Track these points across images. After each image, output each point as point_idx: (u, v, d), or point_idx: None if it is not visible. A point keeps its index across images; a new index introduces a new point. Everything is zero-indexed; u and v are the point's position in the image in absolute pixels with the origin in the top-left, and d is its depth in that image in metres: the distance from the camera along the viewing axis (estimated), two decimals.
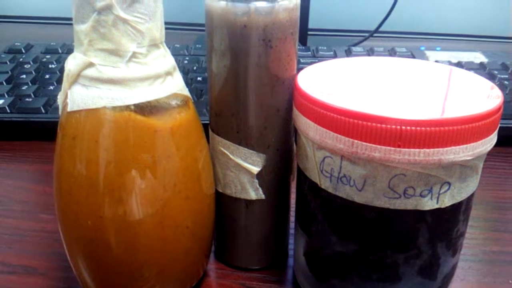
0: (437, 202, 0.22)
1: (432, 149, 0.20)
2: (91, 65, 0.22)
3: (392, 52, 0.58)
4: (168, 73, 0.23)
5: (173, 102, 0.24)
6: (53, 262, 0.30)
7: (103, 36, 0.21)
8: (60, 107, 0.24)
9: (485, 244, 0.32)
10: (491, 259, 0.31)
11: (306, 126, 0.23)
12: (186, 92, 0.25)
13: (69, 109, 0.22)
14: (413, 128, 0.20)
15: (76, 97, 0.22)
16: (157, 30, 0.22)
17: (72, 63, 0.22)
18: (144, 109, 0.22)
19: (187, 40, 0.74)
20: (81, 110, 0.22)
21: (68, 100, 0.22)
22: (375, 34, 0.71)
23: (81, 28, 0.21)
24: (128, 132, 0.22)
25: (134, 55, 0.22)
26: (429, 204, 0.22)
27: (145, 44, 0.22)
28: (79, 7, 0.21)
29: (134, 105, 0.22)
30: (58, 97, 0.24)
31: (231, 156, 0.26)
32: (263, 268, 0.30)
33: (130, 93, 0.22)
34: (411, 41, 0.80)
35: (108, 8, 0.20)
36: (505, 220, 0.35)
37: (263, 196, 0.27)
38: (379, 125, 0.20)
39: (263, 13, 0.23)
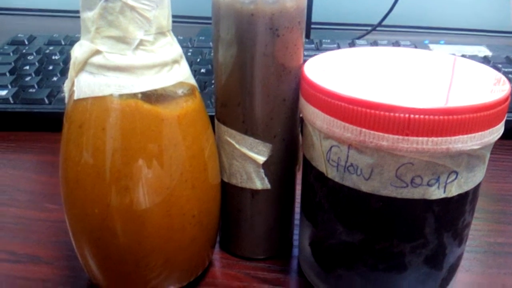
0: (444, 192, 0.22)
1: (440, 138, 0.20)
2: (98, 52, 0.21)
3: (396, 46, 0.58)
4: (175, 61, 0.23)
5: (180, 91, 0.23)
6: (58, 251, 0.30)
7: (110, 24, 0.21)
8: (66, 95, 0.24)
9: (490, 235, 0.32)
10: (496, 251, 0.31)
11: (313, 115, 0.23)
12: (192, 81, 0.25)
13: (75, 97, 0.22)
14: (421, 116, 0.20)
15: (83, 84, 0.22)
16: (164, 18, 0.22)
17: (79, 51, 0.22)
18: (151, 97, 0.22)
19: (190, 32, 0.74)
20: (87, 97, 0.22)
21: (74, 88, 0.22)
22: (379, 28, 0.71)
23: (88, 16, 0.21)
24: (135, 120, 0.22)
25: (141, 42, 0.21)
26: (436, 193, 0.22)
27: (152, 31, 0.22)
28: None
29: (141, 93, 0.22)
30: (65, 85, 0.24)
31: (237, 146, 0.26)
32: (268, 258, 0.30)
33: (137, 81, 0.22)
34: (414, 35, 0.79)
35: None
36: (510, 212, 0.35)
37: (268, 186, 0.27)
38: (387, 113, 0.20)
39: (270, 1, 0.23)
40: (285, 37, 0.24)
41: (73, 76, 0.23)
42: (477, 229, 0.33)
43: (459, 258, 0.25)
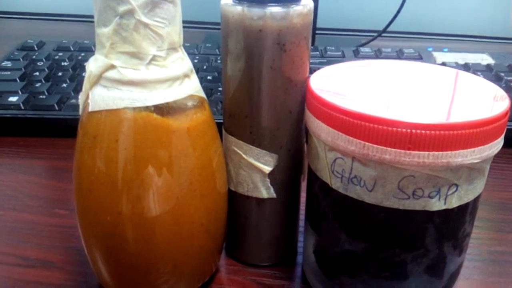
0: (445, 203, 0.22)
1: (441, 152, 0.21)
2: (112, 67, 0.22)
3: (400, 53, 0.59)
4: (186, 75, 0.24)
5: (190, 103, 0.24)
6: (70, 256, 0.31)
7: (124, 40, 0.22)
8: (80, 107, 0.24)
9: (490, 244, 0.33)
10: (496, 259, 0.32)
11: (318, 128, 0.24)
12: (202, 93, 0.25)
13: (90, 109, 0.23)
14: (423, 131, 0.20)
15: (98, 98, 0.23)
16: (176, 34, 0.23)
17: (93, 65, 0.23)
18: (163, 110, 0.23)
19: (196, 38, 0.75)
20: (102, 110, 0.23)
21: (89, 101, 0.23)
22: (383, 34, 0.72)
23: (103, 31, 0.22)
24: (147, 132, 0.23)
25: (154, 58, 0.22)
26: (437, 205, 0.22)
27: (164, 47, 0.23)
28: (102, 11, 0.22)
29: (153, 106, 0.23)
30: (79, 97, 0.24)
31: (244, 156, 0.27)
32: (273, 264, 0.31)
33: (150, 95, 0.23)
34: (418, 41, 0.80)
35: (130, 13, 0.21)
36: (510, 221, 0.36)
37: (274, 195, 0.28)
38: (390, 128, 0.21)
39: (278, 18, 0.24)
40: (291, 52, 0.25)
41: (87, 89, 0.23)
42: (478, 238, 0.34)
43: (459, 266, 0.26)
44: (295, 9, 0.24)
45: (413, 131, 0.20)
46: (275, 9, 0.24)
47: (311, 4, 0.25)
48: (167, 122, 0.23)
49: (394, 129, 0.21)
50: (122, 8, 0.21)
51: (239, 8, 0.24)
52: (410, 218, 0.23)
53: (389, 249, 0.24)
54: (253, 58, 0.25)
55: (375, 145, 0.21)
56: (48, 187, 0.39)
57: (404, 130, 0.21)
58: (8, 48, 0.62)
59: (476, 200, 0.24)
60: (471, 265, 0.31)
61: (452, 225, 0.23)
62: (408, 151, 0.21)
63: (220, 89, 0.50)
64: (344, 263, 0.25)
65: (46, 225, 0.34)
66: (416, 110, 0.22)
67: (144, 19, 0.21)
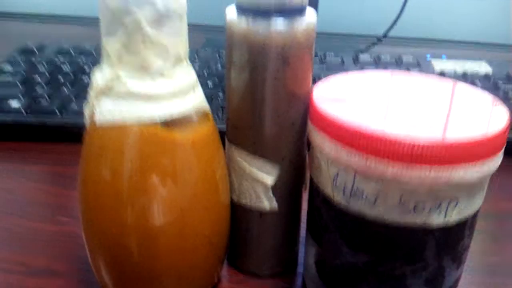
0: (445, 218, 0.23)
1: (442, 167, 0.21)
2: (118, 79, 0.23)
3: (398, 61, 0.59)
4: (191, 88, 0.24)
5: (194, 116, 0.25)
6: (72, 264, 0.31)
7: (131, 52, 0.22)
8: (86, 118, 0.25)
9: (487, 255, 0.33)
10: (492, 270, 0.32)
11: (321, 141, 0.24)
12: (206, 105, 0.26)
13: (96, 120, 0.23)
14: (425, 146, 0.21)
15: (104, 109, 0.23)
16: (182, 46, 0.23)
17: (99, 77, 0.23)
18: (168, 122, 0.23)
19: (195, 42, 0.75)
20: (107, 122, 0.23)
21: (95, 112, 0.23)
22: (382, 39, 0.72)
23: (110, 43, 0.22)
24: (152, 145, 0.23)
25: (160, 70, 0.23)
26: (437, 219, 0.23)
27: (171, 60, 0.23)
28: (109, 23, 0.22)
29: (159, 119, 0.23)
30: (85, 108, 0.25)
31: (247, 166, 0.27)
32: (274, 274, 0.31)
33: (156, 107, 0.23)
34: (418, 47, 0.80)
35: (137, 25, 0.21)
36: (507, 231, 0.36)
37: (276, 207, 0.28)
38: (392, 143, 0.21)
39: (283, 32, 0.24)
40: (295, 65, 0.25)
41: (93, 100, 0.24)
42: (474, 249, 0.34)
43: (457, 279, 0.26)
44: (300, 24, 0.24)
45: (415, 146, 0.21)
46: (279, 24, 0.24)
47: (315, 19, 0.25)
48: (173, 135, 0.23)
49: (396, 144, 0.21)
50: (128, 19, 0.21)
51: (243, 22, 0.24)
52: (411, 232, 0.23)
53: (389, 262, 0.24)
54: (256, 71, 0.25)
55: (377, 159, 0.22)
56: (49, 193, 0.39)
57: (406, 145, 0.21)
58: (6, 50, 0.61)
59: (475, 214, 0.24)
60: (468, 276, 0.31)
61: (452, 239, 0.24)
62: (410, 166, 0.21)
63: (220, 94, 0.50)
64: (345, 275, 0.26)
65: (47, 232, 0.34)
66: (419, 125, 0.22)
67: (151, 31, 0.22)
